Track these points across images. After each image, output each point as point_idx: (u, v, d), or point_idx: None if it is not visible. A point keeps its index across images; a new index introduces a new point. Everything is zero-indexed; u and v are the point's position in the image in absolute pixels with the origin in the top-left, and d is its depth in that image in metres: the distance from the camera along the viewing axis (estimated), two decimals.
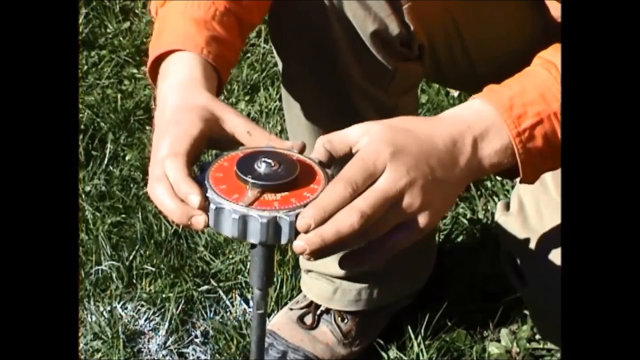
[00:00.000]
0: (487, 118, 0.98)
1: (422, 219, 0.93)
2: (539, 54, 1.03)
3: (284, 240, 0.91)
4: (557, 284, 1.11)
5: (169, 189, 0.94)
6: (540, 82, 0.99)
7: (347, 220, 0.89)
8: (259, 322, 0.97)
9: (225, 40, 1.08)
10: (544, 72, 1.00)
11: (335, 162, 0.97)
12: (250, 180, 0.91)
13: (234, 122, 1.00)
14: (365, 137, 0.94)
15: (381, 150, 0.92)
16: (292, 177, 0.92)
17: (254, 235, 0.90)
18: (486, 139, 0.97)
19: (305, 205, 0.90)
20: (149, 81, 1.09)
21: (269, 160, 0.93)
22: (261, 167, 0.92)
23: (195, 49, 1.05)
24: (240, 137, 0.99)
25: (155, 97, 1.05)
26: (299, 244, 0.90)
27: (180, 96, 1.01)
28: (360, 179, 0.91)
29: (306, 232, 0.89)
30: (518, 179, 1.00)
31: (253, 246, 0.93)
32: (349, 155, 0.95)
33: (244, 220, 0.90)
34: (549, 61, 1.00)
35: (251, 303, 1.67)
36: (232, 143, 1.00)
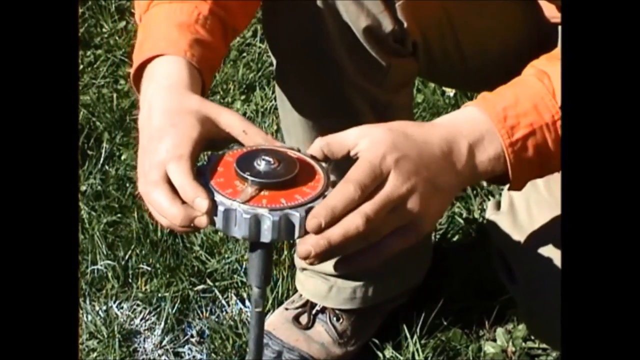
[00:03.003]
0: (481, 126, 0.99)
1: (420, 224, 0.95)
2: (531, 62, 1.04)
3: (265, 239, 0.90)
4: (546, 281, 1.12)
5: (168, 193, 0.94)
6: (534, 92, 1.00)
7: (353, 223, 0.90)
8: (258, 320, 0.97)
9: (208, 43, 1.09)
10: (538, 82, 1.01)
11: (332, 163, 0.97)
12: (249, 177, 0.92)
13: (229, 122, 1.00)
14: (365, 140, 0.95)
15: (387, 155, 0.93)
16: (290, 175, 0.92)
17: (237, 231, 0.90)
18: (481, 146, 0.98)
19: (293, 208, 0.90)
20: (132, 88, 1.09)
21: (269, 158, 0.93)
22: (261, 164, 0.93)
23: (179, 52, 1.05)
24: (236, 135, 1.00)
25: (138, 100, 1.05)
26: (305, 248, 0.90)
27: (169, 100, 1.01)
28: (368, 181, 0.92)
29: (317, 232, 0.90)
30: (507, 186, 1.02)
31: (252, 245, 0.93)
32: (346, 158, 0.96)
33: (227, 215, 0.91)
34: (542, 71, 1.01)
35: (247, 302, 1.67)
36: (228, 143, 1.01)
